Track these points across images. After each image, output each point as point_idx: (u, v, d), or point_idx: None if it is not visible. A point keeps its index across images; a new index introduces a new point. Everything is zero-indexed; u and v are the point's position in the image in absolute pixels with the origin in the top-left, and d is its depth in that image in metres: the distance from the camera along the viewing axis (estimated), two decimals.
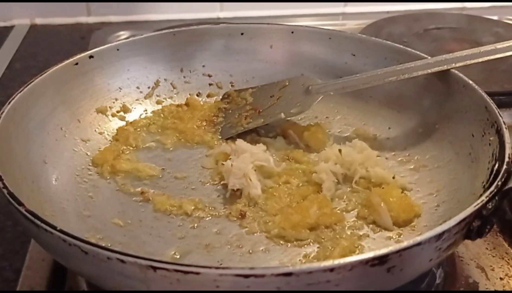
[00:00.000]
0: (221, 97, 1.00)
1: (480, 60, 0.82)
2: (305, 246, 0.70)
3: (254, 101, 0.96)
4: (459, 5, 1.58)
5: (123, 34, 1.39)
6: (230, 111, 0.96)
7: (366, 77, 0.88)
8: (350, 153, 0.81)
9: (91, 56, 0.91)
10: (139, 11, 1.51)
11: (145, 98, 0.97)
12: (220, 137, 0.91)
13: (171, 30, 1.00)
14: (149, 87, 0.98)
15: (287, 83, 0.94)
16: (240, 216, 0.74)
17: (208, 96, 1.01)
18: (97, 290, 0.70)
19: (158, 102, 0.98)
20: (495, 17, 1.45)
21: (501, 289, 0.72)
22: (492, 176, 0.67)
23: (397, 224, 0.73)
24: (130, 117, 0.94)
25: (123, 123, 0.93)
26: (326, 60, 1.01)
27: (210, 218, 0.75)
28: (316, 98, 0.89)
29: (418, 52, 0.92)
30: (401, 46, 0.95)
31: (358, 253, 0.67)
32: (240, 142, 0.84)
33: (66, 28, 1.50)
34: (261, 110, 0.92)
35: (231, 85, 1.02)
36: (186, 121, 0.93)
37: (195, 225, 0.74)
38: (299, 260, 0.68)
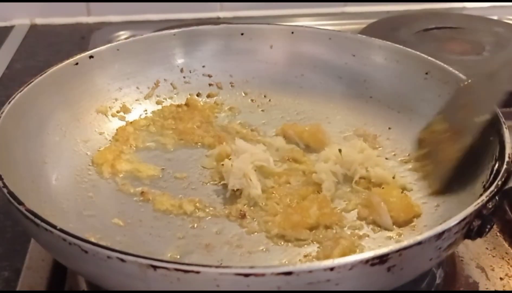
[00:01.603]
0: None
1: None
2: (305, 246, 0.70)
3: (449, 125, 0.81)
4: (459, 5, 1.58)
5: (123, 34, 1.39)
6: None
7: None
8: (350, 152, 0.81)
9: (91, 56, 0.91)
10: (139, 11, 1.51)
11: (145, 98, 0.97)
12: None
13: (171, 30, 1.00)
14: (149, 88, 0.98)
15: (467, 84, 0.82)
16: (240, 216, 0.74)
17: (208, 96, 1.01)
18: (97, 290, 0.70)
19: (158, 103, 0.98)
20: (495, 17, 1.45)
21: (501, 289, 0.71)
22: (492, 176, 0.67)
23: (397, 224, 0.73)
24: (130, 117, 0.94)
25: (123, 123, 0.93)
26: (326, 60, 1.01)
27: (210, 218, 0.75)
28: (502, 79, 0.77)
29: (418, 53, 0.92)
30: (401, 46, 0.95)
31: (358, 253, 0.67)
32: (239, 142, 0.83)
33: (66, 28, 1.50)
34: (459, 130, 0.79)
35: (231, 86, 1.02)
36: (186, 122, 0.93)
37: (195, 225, 0.74)
38: (299, 260, 0.68)
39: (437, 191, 0.77)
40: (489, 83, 0.78)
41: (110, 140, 0.89)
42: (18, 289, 0.71)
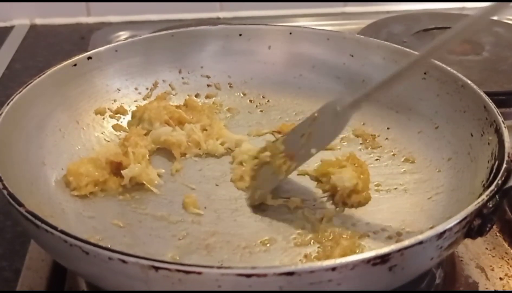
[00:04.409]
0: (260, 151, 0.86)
1: None
2: (306, 246, 0.70)
3: (286, 148, 0.82)
4: (459, 5, 1.58)
5: (123, 34, 1.39)
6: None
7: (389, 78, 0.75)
8: None
9: (89, 58, 0.91)
10: (139, 11, 1.50)
11: (144, 99, 0.97)
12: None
13: (170, 31, 1.00)
14: (147, 88, 0.98)
15: (316, 115, 0.80)
16: None
17: (207, 97, 1.01)
18: (96, 291, 0.70)
19: None
20: (495, 17, 1.45)
21: (501, 289, 0.72)
22: (492, 175, 0.67)
23: None
24: (129, 118, 0.94)
25: (121, 124, 0.93)
26: (324, 61, 1.01)
27: (210, 217, 0.75)
28: (346, 119, 0.75)
29: (416, 52, 0.92)
30: (399, 46, 0.95)
31: (358, 253, 0.67)
32: None
33: (66, 28, 1.50)
34: (294, 155, 0.81)
35: (230, 86, 1.02)
36: None
37: (195, 225, 0.74)
38: (300, 260, 0.68)
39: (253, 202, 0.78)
40: (333, 120, 0.76)
41: (108, 141, 0.89)
42: (18, 289, 0.71)
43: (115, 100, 0.94)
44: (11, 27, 1.49)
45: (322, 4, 1.55)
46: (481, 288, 0.72)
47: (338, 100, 0.76)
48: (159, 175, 0.82)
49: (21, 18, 1.51)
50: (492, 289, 0.72)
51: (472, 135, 0.79)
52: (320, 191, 0.80)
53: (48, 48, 1.39)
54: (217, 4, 1.54)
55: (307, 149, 0.78)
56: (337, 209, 0.76)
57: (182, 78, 1.01)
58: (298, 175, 0.83)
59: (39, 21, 1.51)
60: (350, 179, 0.76)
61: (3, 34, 1.45)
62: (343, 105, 0.75)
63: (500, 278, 0.73)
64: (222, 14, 1.55)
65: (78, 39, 1.43)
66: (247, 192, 0.80)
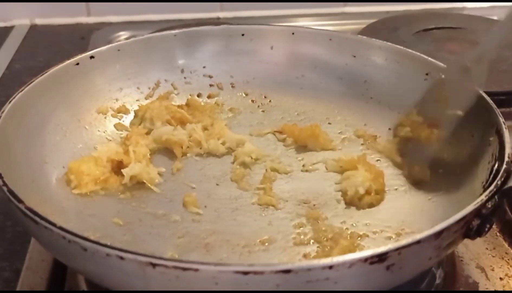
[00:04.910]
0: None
1: None
2: (305, 245, 0.70)
3: (424, 118, 0.84)
4: (459, 5, 1.58)
5: (123, 34, 1.39)
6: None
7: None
8: None
9: (92, 57, 0.91)
10: (139, 11, 1.51)
11: (146, 98, 0.97)
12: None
13: (172, 31, 1.00)
14: (149, 88, 0.98)
15: (444, 77, 0.80)
16: None
17: (209, 97, 1.01)
18: (96, 290, 0.70)
19: None
20: (495, 17, 1.45)
21: (501, 289, 0.71)
22: (491, 176, 0.67)
23: None
24: (131, 117, 0.94)
25: (123, 123, 0.93)
26: (326, 61, 1.01)
27: (209, 216, 0.75)
28: (478, 72, 0.76)
29: (418, 53, 0.92)
30: (401, 47, 0.95)
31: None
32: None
33: (66, 28, 1.50)
34: (437, 122, 0.81)
35: (232, 86, 1.02)
36: None
37: (195, 224, 0.74)
38: (299, 259, 0.68)
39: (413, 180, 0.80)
40: (462, 79, 0.78)
41: (110, 140, 0.89)
42: (18, 289, 0.71)
43: (117, 100, 0.94)
44: (11, 27, 1.49)
45: (322, 4, 1.55)
46: (481, 288, 0.72)
47: (462, 56, 0.78)
48: (159, 174, 0.82)
49: (21, 18, 1.51)
50: (492, 289, 0.72)
51: (473, 136, 0.79)
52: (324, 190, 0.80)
53: (48, 48, 1.39)
54: (217, 4, 1.54)
55: (445, 113, 0.79)
56: (338, 209, 0.76)
57: (185, 78, 1.01)
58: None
59: (39, 21, 1.51)
60: (363, 182, 0.76)
61: (3, 34, 1.45)
62: (470, 60, 0.76)
63: (500, 278, 0.73)
64: (222, 14, 1.55)
65: (78, 39, 1.43)
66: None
